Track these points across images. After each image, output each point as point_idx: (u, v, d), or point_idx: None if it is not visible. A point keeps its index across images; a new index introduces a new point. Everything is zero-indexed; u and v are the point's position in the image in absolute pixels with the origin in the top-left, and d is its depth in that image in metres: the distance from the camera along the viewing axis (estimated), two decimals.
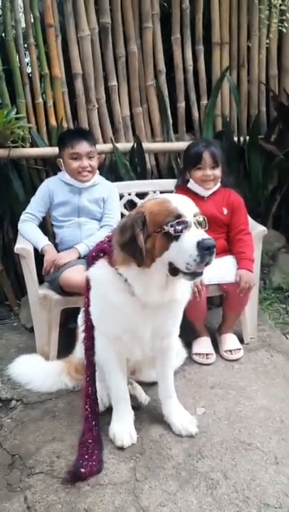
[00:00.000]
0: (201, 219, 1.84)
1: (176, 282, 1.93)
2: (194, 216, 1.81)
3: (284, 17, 3.56)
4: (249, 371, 2.74)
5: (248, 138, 3.67)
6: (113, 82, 3.48)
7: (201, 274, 1.83)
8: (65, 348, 2.77)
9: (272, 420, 2.30)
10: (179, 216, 1.77)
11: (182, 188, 3.00)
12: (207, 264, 1.76)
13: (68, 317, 2.98)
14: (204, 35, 3.63)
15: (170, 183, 3.32)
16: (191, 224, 1.78)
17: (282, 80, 3.86)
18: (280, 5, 3.53)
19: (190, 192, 2.93)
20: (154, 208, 1.83)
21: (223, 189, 2.99)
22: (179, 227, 1.76)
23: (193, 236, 1.75)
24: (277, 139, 3.76)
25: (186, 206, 1.83)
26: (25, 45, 3.35)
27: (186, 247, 1.75)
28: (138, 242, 1.78)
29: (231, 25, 3.67)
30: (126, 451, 2.11)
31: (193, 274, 1.82)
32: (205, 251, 1.72)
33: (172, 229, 1.76)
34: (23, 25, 3.33)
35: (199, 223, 1.82)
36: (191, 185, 2.94)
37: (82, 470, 1.96)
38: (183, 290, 2.02)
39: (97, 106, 3.46)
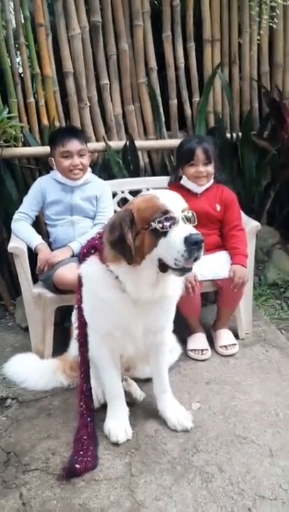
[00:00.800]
0: (189, 214, 1.83)
1: (166, 279, 1.93)
2: (182, 212, 1.81)
3: (274, 13, 3.57)
4: (244, 366, 2.75)
5: (240, 134, 3.68)
6: (105, 81, 3.48)
7: (190, 269, 1.83)
8: (59, 346, 2.77)
9: (268, 414, 2.31)
10: (166, 212, 1.77)
11: (175, 185, 3.00)
12: (196, 259, 1.76)
13: (63, 316, 2.99)
14: (195, 32, 3.63)
15: (163, 180, 3.32)
16: (179, 219, 1.78)
17: (274, 76, 3.87)
18: (270, 1, 3.52)
19: (183, 189, 2.94)
20: (141, 204, 1.83)
21: (216, 185, 3.00)
22: (167, 223, 1.76)
23: (181, 232, 1.75)
24: (269, 135, 3.78)
25: (173, 202, 1.83)
26: (16, 45, 3.35)
27: (173, 242, 1.75)
28: (127, 241, 1.78)
29: (222, 22, 3.67)
30: (121, 447, 2.12)
31: (182, 270, 1.82)
32: (193, 246, 1.72)
33: (160, 225, 1.76)
34: (14, 25, 3.33)
35: (188, 219, 1.82)
36: (184, 181, 2.95)
37: (77, 466, 1.96)
38: (174, 286, 2.02)
39: (89, 104, 3.46)
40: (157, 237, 1.78)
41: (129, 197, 3.35)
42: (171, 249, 1.76)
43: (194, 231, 1.75)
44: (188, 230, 1.76)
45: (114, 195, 3.27)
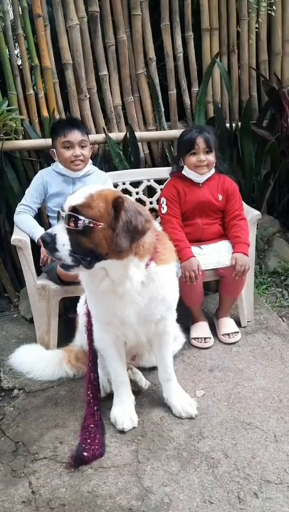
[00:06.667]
0: (64, 214, 1.79)
1: (126, 274, 1.87)
2: (68, 210, 1.78)
3: (272, 0, 3.55)
4: (247, 353, 2.77)
5: (240, 124, 3.67)
6: (104, 72, 3.46)
7: (65, 267, 1.84)
8: (64, 337, 2.79)
9: (271, 400, 2.34)
10: (61, 207, 1.82)
11: (177, 176, 3.01)
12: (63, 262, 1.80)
13: (67, 307, 3.01)
14: (193, 21, 3.61)
15: (164, 171, 3.34)
16: (63, 217, 1.80)
17: (273, 65, 3.85)
18: None
19: (185, 179, 2.95)
20: None
21: (218, 175, 3.01)
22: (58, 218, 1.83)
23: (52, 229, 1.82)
24: (269, 123, 3.77)
25: (71, 198, 1.83)
26: (14, 37, 3.33)
27: None
28: None
29: (220, 10, 3.64)
30: (128, 435, 2.15)
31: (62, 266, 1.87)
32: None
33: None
34: (12, 16, 3.30)
35: (63, 218, 1.80)
36: (186, 172, 2.95)
37: (85, 454, 1.99)
38: (138, 280, 1.91)
39: (88, 96, 3.44)
40: None
41: (130, 188, 3.36)
42: None
43: (54, 231, 1.78)
44: (52, 229, 1.81)
45: (115, 186, 3.26)
